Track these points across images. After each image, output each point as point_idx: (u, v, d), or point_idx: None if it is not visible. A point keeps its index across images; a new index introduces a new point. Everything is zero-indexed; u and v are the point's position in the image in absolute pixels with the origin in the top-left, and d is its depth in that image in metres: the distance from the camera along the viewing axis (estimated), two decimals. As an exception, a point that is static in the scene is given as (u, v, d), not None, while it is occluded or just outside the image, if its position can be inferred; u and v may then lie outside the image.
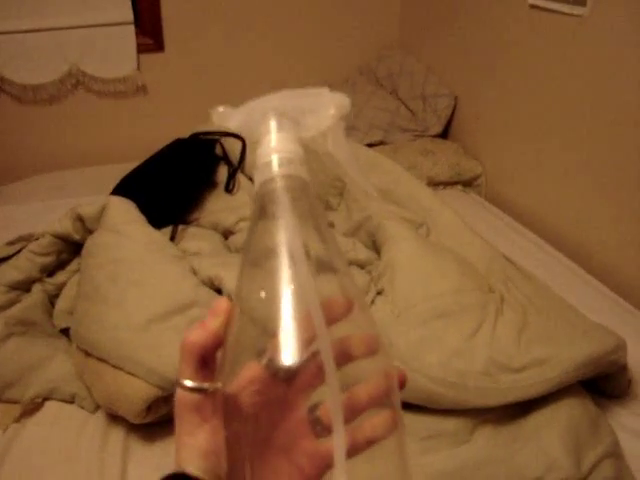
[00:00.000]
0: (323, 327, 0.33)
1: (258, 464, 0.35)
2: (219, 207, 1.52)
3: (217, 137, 1.68)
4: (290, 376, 0.34)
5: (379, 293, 1.26)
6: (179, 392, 0.38)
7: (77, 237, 1.31)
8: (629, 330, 1.18)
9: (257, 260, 0.37)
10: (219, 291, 1.17)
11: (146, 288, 1.12)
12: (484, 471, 0.99)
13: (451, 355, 1.07)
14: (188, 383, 0.38)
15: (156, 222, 1.31)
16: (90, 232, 1.30)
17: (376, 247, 1.42)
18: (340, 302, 0.37)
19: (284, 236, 0.36)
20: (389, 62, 2.71)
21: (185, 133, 1.76)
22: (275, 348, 0.34)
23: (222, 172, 1.61)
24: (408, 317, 1.17)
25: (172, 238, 1.38)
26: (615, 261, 1.66)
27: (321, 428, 0.34)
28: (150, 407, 1.05)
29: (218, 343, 0.38)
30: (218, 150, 1.65)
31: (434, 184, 2.13)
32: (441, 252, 1.34)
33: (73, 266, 1.36)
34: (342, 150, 0.36)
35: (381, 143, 2.40)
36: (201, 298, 1.12)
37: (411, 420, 1.06)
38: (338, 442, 0.32)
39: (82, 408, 1.17)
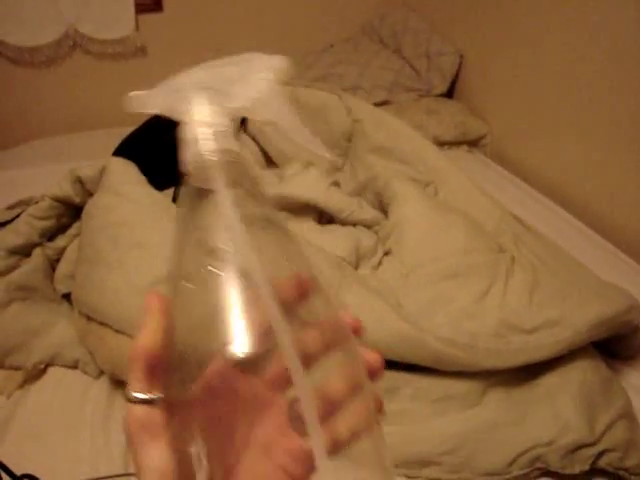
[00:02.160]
0: (276, 310, 0.30)
1: (235, 471, 0.32)
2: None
3: (219, 96, 1.64)
4: (257, 367, 0.32)
5: (386, 254, 1.24)
6: (129, 408, 0.34)
7: (77, 200, 1.28)
8: (638, 290, 1.16)
9: (194, 238, 0.34)
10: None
11: (148, 250, 1.09)
12: (495, 434, 0.97)
13: (461, 316, 1.05)
14: (138, 395, 0.34)
15: (158, 184, 1.28)
16: (90, 195, 1.27)
17: (383, 207, 1.40)
18: (292, 283, 0.34)
19: (223, 217, 0.32)
20: (392, 20, 2.66)
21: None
22: (231, 335, 0.31)
23: (224, 132, 1.57)
24: (417, 277, 1.15)
25: (174, 199, 1.35)
26: (625, 221, 1.63)
27: (302, 424, 0.31)
28: (154, 371, 1.03)
29: (160, 341, 0.34)
30: (220, 110, 1.61)
31: (439, 144, 2.09)
32: (450, 211, 1.31)
33: (74, 230, 1.33)
34: (285, 117, 0.33)
35: (385, 103, 2.35)
36: (205, 260, 1.09)
37: (421, 383, 1.04)
38: (317, 442, 0.29)
39: (85, 373, 1.15)
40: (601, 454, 0.95)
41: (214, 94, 0.35)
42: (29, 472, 0.86)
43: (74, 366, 1.16)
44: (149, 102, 0.36)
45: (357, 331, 0.36)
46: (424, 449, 0.96)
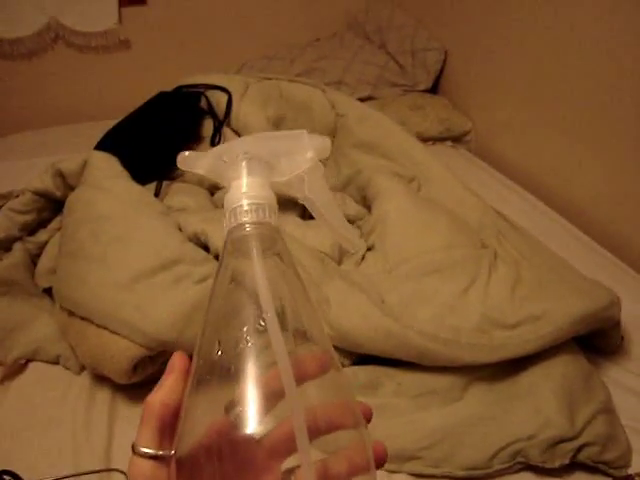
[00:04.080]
0: (293, 389, 0.31)
1: None
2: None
3: (202, 90, 1.63)
4: (260, 437, 0.32)
5: (369, 249, 1.24)
6: (134, 461, 0.35)
7: (58, 194, 1.27)
8: (621, 287, 1.16)
9: (223, 310, 0.35)
10: (206, 247, 1.14)
11: (130, 244, 1.09)
12: (477, 428, 0.98)
13: (444, 311, 1.05)
14: (145, 450, 0.34)
15: (140, 178, 1.27)
16: (72, 189, 1.26)
17: (366, 202, 1.40)
18: (313, 360, 0.35)
19: (253, 290, 0.33)
20: (377, 16, 2.65)
21: (169, 88, 1.71)
22: (243, 406, 0.32)
23: (208, 126, 1.57)
24: (400, 273, 1.15)
25: (157, 194, 1.35)
26: (607, 218, 1.65)
27: None
28: (136, 367, 1.02)
29: (178, 400, 0.35)
30: (203, 103, 1.61)
31: (423, 139, 2.08)
32: (433, 207, 1.31)
33: (55, 224, 1.32)
34: (322, 196, 0.34)
35: (369, 98, 2.35)
36: (187, 254, 1.08)
37: (404, 378, 1.04)
38: None
39: (67, 369, 1.14)
40: (581, 448, 0.95)
41: (259, 166, 0.37)
42: (9, 469, 0.85)
43: (55, 361, 1.15)
44: (198, 163, 0.39)
45: (367, 417, 0.36)
46: (405, 444, 0.97)
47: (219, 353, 0.34)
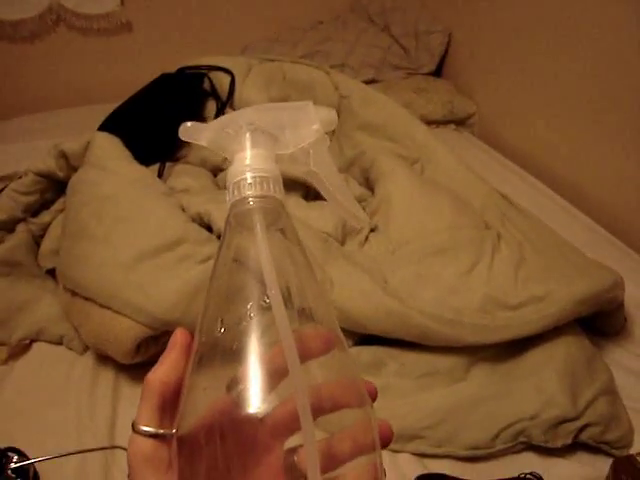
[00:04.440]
0: (297, 366, 0.30)
1: None
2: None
3: (205, 71, 1.62)
4: (263, 415, 0.31)
5: (373, 230, 1.23)
6: (134, 439, 0.34)
7: (61, 175, 1.27)
8: (624, 270, 1.16)
9: (225, 287, 0.35)
10: (209, 228, 1.14)
11: (133, 225, 1.09)
12: (480, 408, 0.98)
13: (447, 292, 1.06)
14: (145, 429, 0.34)
15: (143, 159, 1.27)
16: (74, 170, 1.25)
17: (369, 183, 1.40)
18: (318, 337, 0.34)
19: (256, 266, 0.33)
20: (381, -3, 2.64)
21: (171, 70, 1.70)
22: (245, 383, 0.31)
23: (210, 107, 1.56)
24: (403, 254, 1.15)
25: (160, 175, 1.35)
26: (610, 200, 1.64)
27: (297, 475, 0.30)
28: (139, 347, 1.03)
29: (179, 377, 0.35)
30: (206, 85, 1.60)
31: (427, 122, 2.06)
32: (436, 188, 1.31)
33: (58, 205, 1.32)
34: (327, 169, 0.33)
35: (373, 81, 2.33)
36: (190, 234, 1.08)
37: (406, 358, 1.04)
38: None
39: (70, 349, 1.15)
40: (583, 428, 0.96)
41: (264, 138, 0.36)
42: (13, 446, 0.85)
43: (59, 342, 1.16)
44: (200, 134, 0.38)
45: (372, 396, 0.36)
46: (408, 423, 0.97)
47: (221, 330, 0.33)
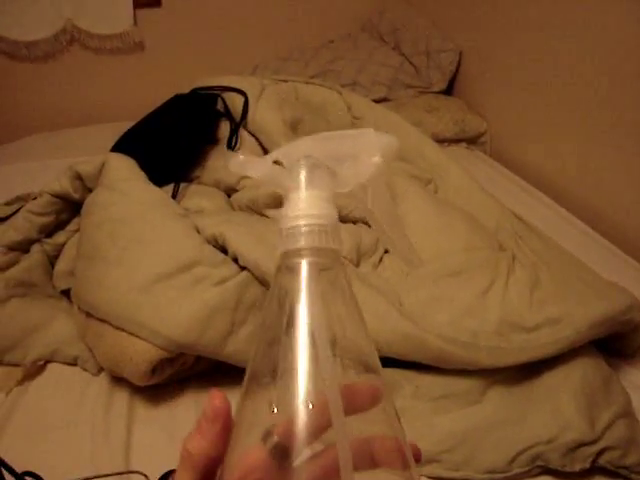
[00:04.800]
0: (341, 415, 0.29)
1: None
2: (221, 164, 1.47)
3: (218, 92, 1.63)
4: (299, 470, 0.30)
5: (387, 251, 1.23)
6: None
7: (76, 196, 1.27)
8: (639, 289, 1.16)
9: (271, 343, 0.32)
10: (224, 250, 1.14)
11: (148, 246, 1.09)
12: (496, 432, 0.97)
13: (462, 314, 1.05)
14: None
15: (157, 180, 1.27)
16: (89, 191, 1.26)
17: (383, 205, 1.39)
18: (364, 391, 0.32)
19: (306, 318, 0.31)
20: (392, 16, 2.66)
21: (184, 90, 1.71)
22: (284, 430, 0.29)
23: (224, 128, 1.57)
24: (418, 275, 1.14)
25: (174, 196, 1.35)
26: (625, 219, 1.63)
27: None
28: (155, 369, 1.03)
29: (221, 452, 0.32)
30: (219, 105, 1.61)
31: (438, 141, 2.08)
32: (450, 209, 1.31)
33: (72, 226, 1.33)
34: (384, 208, 0.31)
35: (384, 100, 2.35)
36: (206, 256, 1.08)
37: (422, 380, 1.04)
38: None
39: (85, 370, 1.15)
40: (601, 452, 0.94)
41: (321, 175, 0.34)
42: (29, 469, 0.85)
43: (73, 363, 1.16)
44: (253, 167, 0.35)
45: (417, 457, 0.34)
46: (424, 447, 0.96)
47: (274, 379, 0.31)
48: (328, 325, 0.31)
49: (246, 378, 0.33)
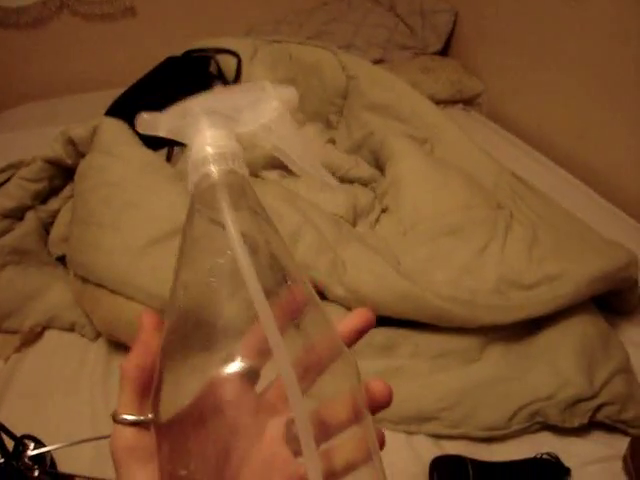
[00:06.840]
0: (279, 341, 0.29)
1: None
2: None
3: (211, 54, 1.61)
4: (256, 382, 0.31)
5: (384, 211, 1.23)
6: (116, 430, 0.32)
7: (69, 161, 1.26)
8: (638, 247, 1.15)
9: (196, 262, 0.34)
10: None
11: (142, 210, 1.08)
12: (495, 389, 0.98)
13: (460, 272, 1.05)
14: (126, 417, 0.32)
15: (151, 144, 1.25)
16: (82, 156, 1.25)
17: (379, 164, 1.39)
18: (292, 302, 0.33)
19: (227, 241, 0.31)
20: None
21: (177, 53, 1.69)
22: (244, 350, 0.30)
23: (217, 91, 1.55)
24: (415, 235, 1.14)
25: (168, 159, 1.34)
26: (622, 179, 1.62)
27: (299, 446, 0.29)
28: (152, 332, 1.02)
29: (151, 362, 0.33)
30: (212, 67, 1.59)
31: (434, 102, 2.07)
32: (447, 168, 1.30)
33: (66, 192, 1.31)
34: (290, 141, 0.32)
35: (380, 61, 2.31)
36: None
37: (420, 339, 1.04)
38: (312, 467, 0.28)
39: (83, 336, 1.15)
40: (600, 407, 0.95)
41: (222, 119, 0.35)
42: (30, 433, 0.85)
43: (71, 329, 1.16)
44: (158, 124, 0.36)
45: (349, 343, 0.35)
46: (424, 405, 0.97)
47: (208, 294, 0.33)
48: (252, 243, 0.32)
49: (169, 309, 0.34)
